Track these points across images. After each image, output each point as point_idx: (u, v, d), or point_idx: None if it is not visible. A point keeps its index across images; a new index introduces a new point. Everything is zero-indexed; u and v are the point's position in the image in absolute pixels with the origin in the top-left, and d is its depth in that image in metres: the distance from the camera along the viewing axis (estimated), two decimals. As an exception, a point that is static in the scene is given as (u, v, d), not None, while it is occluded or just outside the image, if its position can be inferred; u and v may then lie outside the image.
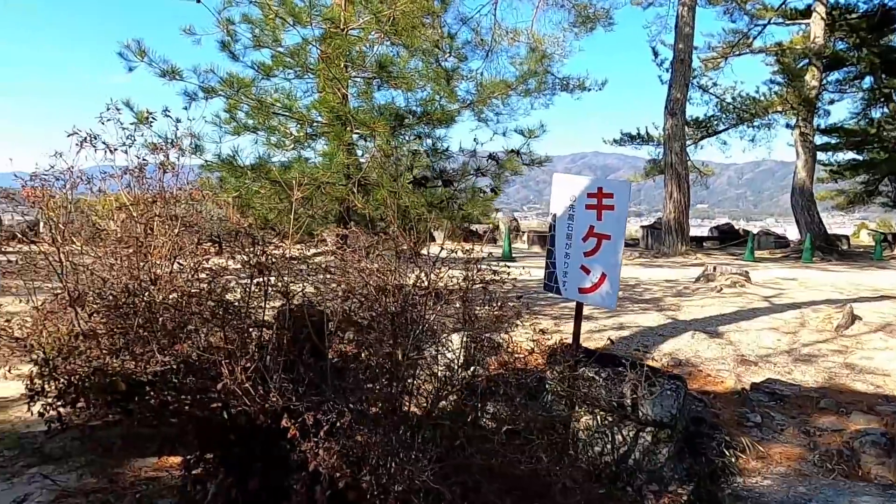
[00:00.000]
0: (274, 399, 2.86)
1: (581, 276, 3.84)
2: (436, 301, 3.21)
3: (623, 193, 3.61)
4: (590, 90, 12.60)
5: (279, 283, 3.22)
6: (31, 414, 4.16)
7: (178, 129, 5.08)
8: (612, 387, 4.26)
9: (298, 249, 3.86)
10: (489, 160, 5.36)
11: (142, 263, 4.11)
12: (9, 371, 4.62)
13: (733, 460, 4.19)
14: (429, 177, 4.23)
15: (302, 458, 2.83)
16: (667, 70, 22.08)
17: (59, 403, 4.22)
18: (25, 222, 16.48)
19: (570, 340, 4.45)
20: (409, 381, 3.29)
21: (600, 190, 3.67)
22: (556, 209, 3.94)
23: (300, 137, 5.89)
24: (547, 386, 4.39)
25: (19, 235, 6.80)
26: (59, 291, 4.82)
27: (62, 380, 4.33)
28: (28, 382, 4.51)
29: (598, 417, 4.30)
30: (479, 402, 3.58)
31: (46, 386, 4.44)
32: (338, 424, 2.82)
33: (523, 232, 26.40)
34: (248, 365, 2.84)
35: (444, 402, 3.39)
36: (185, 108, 5.57)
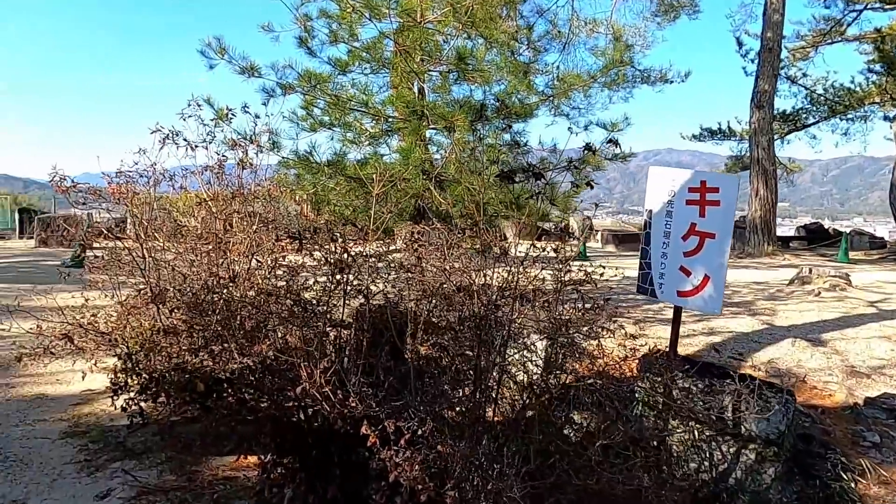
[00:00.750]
0: (353, 404, 2.71)
1: (680, 277, 3.52)
2: (522, 303, 2.97)
3: (730, 188, 3.28)
4: (672, 82, 11.99)
5: (358, 282, 3.06)
6: (115, 408, 4.19)
7: (256, 126, 5.05)
8: (709, 398, 3.91)
9: (377, 247, 3.71)
10: (585, 150, 5.05)
11: (221, 260, 4.08)
12: (95, 365, 4.70)
13: (852, 485, 3.76)
14: (516, 170, 4.02)
15: (381, 466, 2.66)
16: (752, 61, 20.97)
17: (140, 399, 4.24)
18: (114, 219, 17.19)
19: (659, 346, 4.13)
20: (492, 388, 3.07)
21: (703, 184, 3.35)
22: (652, 205, 3.63)
23: (376, 133, 5.79)
24: (637, 396, 4.08)
25: (105, 231, 6.98)
26: (142, 287, 4.88)
27: (144, 375, 4.35)
28: (112, 376, 4.55)
29: (695, 431, 3.96)
30: (566, 412, 3.33)
31: (129, 381, 4.47)
32: (419, 433, 2.63)
33: (596, 231, 25.71)
34: (327, 367, 2.69)
35: (530, 411, 3.16)
36: (264, 104, 5.55)
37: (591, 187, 4.72)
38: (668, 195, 3.53)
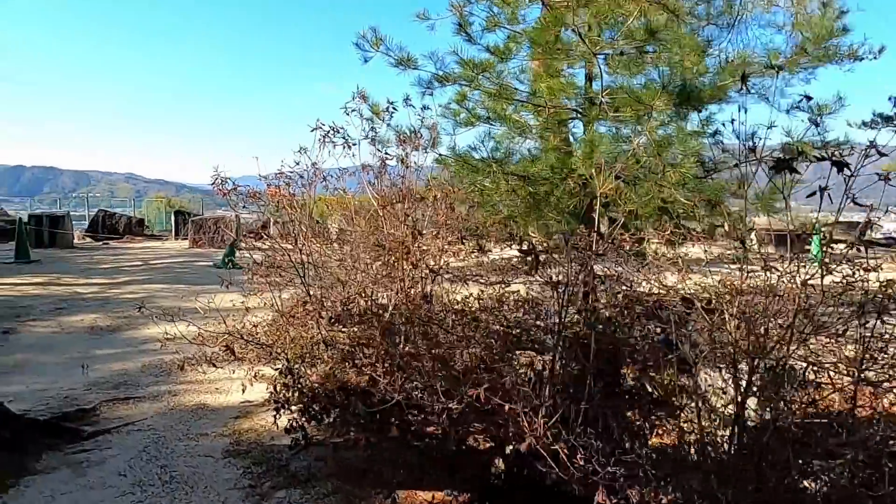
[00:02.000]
0: (579, 462, 2.11)
1: None
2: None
3: None
4: (862, 59, 10.41)
5: (580, 300, 2.48)
6: (276, 427, 3.89)
7: (423, 120, 4.64)
8: None
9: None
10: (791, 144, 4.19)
11: (405, 273, 3.66)
12: (254, 377, 4.47)
13: None
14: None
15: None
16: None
17: (303, 419, 3.91)
18: (257, 221, 17.86)
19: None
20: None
21: None
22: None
23: (549, 124, 5.20)
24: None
25: (254, 234, 6.86)
26: (303, 296, 4.62)
27: (306, 392, 4.03)
28: (272, 390, 4.30)
29: None
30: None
31: (290, 397, 4.17)
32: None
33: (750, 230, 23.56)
34: (547, 411, 2.12)
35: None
36: (428, 94, 5.13)
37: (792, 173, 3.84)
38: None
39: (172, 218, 20.69)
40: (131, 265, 13.09)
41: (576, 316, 2.55)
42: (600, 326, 2.44)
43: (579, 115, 5.45)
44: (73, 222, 18.63)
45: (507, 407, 2.11)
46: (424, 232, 3.76)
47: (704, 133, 5.11)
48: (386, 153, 4.47)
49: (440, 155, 5.62)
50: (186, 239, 18.01)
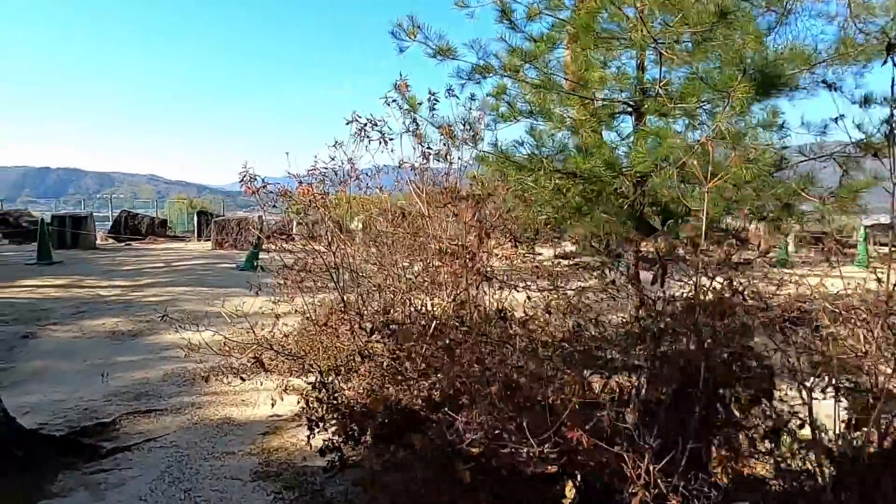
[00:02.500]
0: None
1: None
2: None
3: None
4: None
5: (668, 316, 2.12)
6: (309, 447, 3.57)
7: (471, 111, 4.30)
8: None
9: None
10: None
11: (436, 278, 3.32)
12: (285, 391, 4.15)
13: None
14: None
15: None
16: None
17: (340, 440, 3.58)
18: (279, 222, 17.65)
19: None
20: None
21: None
22: None
23: (603, 117, 4.83)
24: None
25: (279, 235, 6.57)
26: (337, 302, 4.30)
27: (343, 410, 3.69)
28: (304, 405, 3.97)
29: None
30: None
31: (324, 413, 3.83)
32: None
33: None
34: (648, 450, 1.75)
35: None
36: (475, 83, 4.79)
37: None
38: None
39: (195, 219, 20.58)
40: (154, 267, 12.91)
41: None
42: (710, 340, 2.06)
43: (630, 108, 5.06)
44: (96, 223, 18.58)
45: (610, 451, 1.74)
46: (473, 235, 3.41)
47: (774, 125, 4.69)
48: (428, 148, 4.14)
49: (482, 152, 5.26)
50: (209, 240, 17.85)
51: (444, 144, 4.33)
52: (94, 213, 24.19)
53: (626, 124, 5.77)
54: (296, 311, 4.94)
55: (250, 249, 13.10)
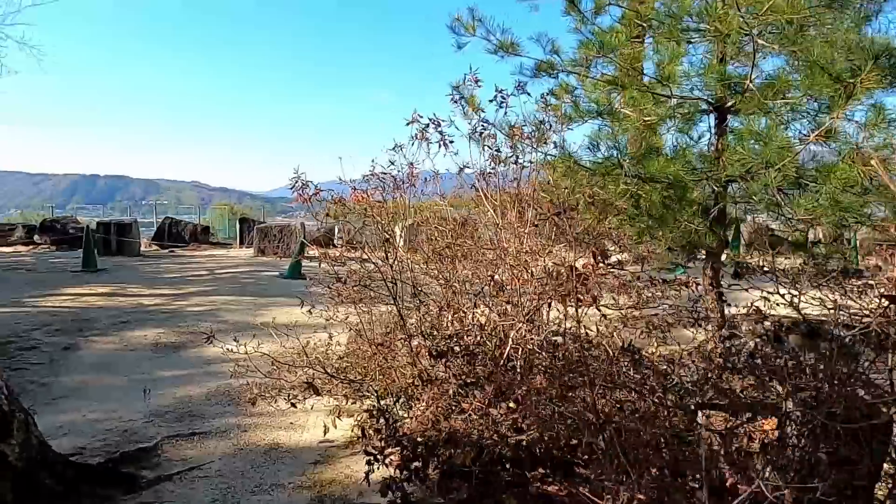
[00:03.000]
0: None
1: None
2: None
3: None
4: None
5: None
6: (368, 483, 3.20)
7: (546, 108, 3.90)
8: None
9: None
10: None
11: (516, 299, 2.92)
12: (338, 417, 3.80)
13: None
14: None
15: None
16: None
17: (402, 477, 3.21)
18: (322, 229, 17.44)
19: None
20: None
21: None
22: None
23: (687, 116, 4.38)
24: None
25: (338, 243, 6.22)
26: (395, 319, 3.93)
27: (405, 443, 3.32)
28: (360, 434, 3.62)
29: None
30: None
31: (383, 444, 3.46)
32: None
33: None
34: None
35: None
36: (541, 79, 4.40)
37: None
38: None
39: (237, 225, 20.59)
40: (196, 275, 12.81)
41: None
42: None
43: (710, 106, 4.59)
44: (141, 229, 18.71)
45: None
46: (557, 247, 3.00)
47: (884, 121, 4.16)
48: (497, 151, 3.76)
49: (549, 155, 4.85)
50: (251, 247, 17.79)
51: (512, 147, 3.94)
52: (140, 220, 24.51)
53: (702, 124, 5.30)
54: (345, 321, 4.58)
55: (293, 257, 12.90)
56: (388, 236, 3.94)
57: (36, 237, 19.40)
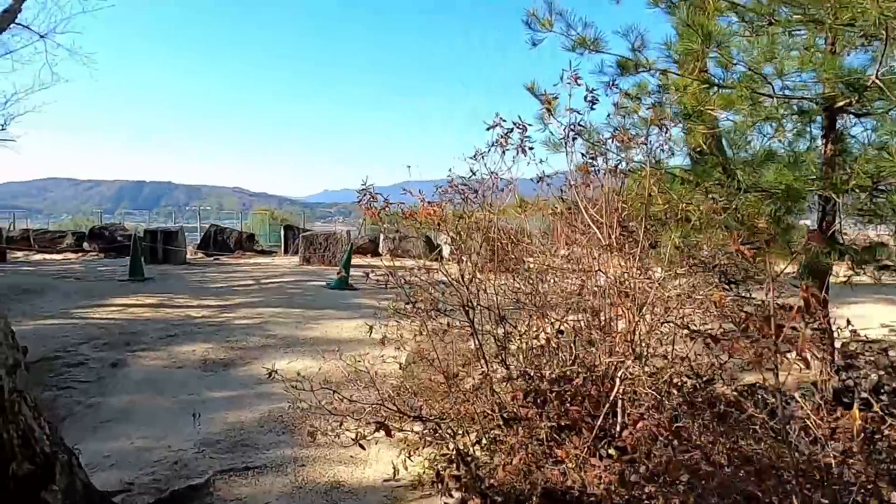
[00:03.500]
0: None
1: None
2: None
3: None
4: None
5: None
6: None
7: (629, 115, 3.45)
8: None
9: None
10: None
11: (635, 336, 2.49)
12: (409, 457, 3.41)
13: None
14: None
15: None
16: None
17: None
18: (365, 237, 17.12)
19: None
20: None
21: None
22: None
23: (810, 117, 3.88)
24: None
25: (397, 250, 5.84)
26: (475, 350, 3.52)
27: (490, 496, 2.91)
28: (436, 481, 3.23)
29: None
30: None
31: (465, 495, 3.06)
32: None
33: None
34: None
35: None
36: (638, 72, 3.94)
37: None
38: None
39: (281, 233, 20.51)
40: (243, 285, 12.64)
41: None
42: None
43: (820, 104, 4.06)
44: (186, 235, 18.76)
45: None
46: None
47: None
48: (592, 158, 3.32)
49: (632, 164, 4.39)
50: (296, 255, 17.64)
51: (603, 152, 3.50)
52: (184, 224, 24.71)
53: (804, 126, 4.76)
54: (403, 340, 4.18)
55: (340, 266, 12.63)
56: (465, 252, 3.53)
57: (85, 244, 19.66)
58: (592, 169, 3.36)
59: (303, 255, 16.05)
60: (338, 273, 12.04)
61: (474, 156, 3.34)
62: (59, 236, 20.44)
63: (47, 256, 18.68)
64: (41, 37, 13.51)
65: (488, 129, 3.33)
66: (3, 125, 13.95)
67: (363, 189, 3.29)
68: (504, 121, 3.30)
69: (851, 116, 4.34)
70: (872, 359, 3.99)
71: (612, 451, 2.85)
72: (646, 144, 3.60)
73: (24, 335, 7.47)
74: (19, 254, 18.94)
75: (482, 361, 3.19)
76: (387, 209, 3.39)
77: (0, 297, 10.11)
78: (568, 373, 2.77)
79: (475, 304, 3.37)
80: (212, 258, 18.60)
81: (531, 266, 3.45)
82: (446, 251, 19.02)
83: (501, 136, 3.32)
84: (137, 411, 5.04)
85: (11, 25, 12.66)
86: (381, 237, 20.07)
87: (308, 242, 16.08)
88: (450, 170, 3.42)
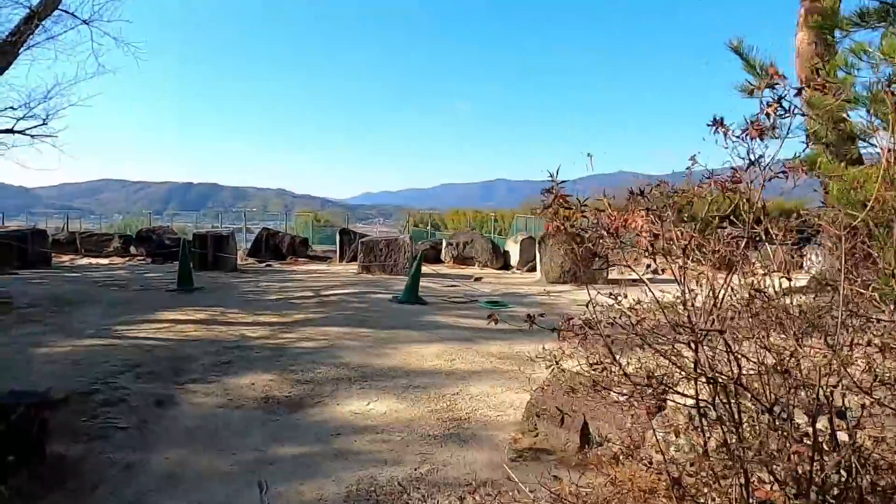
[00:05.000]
0: None
1: None
2: None
3: None
4: None
5: None
6: None
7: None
8: None
9: None
10: None
11: None
12: None
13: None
14: None
15: None
16: None
17: None
18: (427, 242, 15.93)
19: None
20: None
21: None
22: None
23: None
24: None
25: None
26: (719, 442, 2.27)
27: None
28: None
29: None
30: None
31: None
32: None
33: None
34: None
35: None
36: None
37: None
38: None
39: (336, 238, 19.54)
40: (301, 296, 11.60)
41: None
42: None
43: None
44: (236, 241, 17.98)
45: None
46: None
47: None
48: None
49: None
50: (352, 262, 16.63)
51: None
52: (230, 226, 24.07)
53: None
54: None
55: (408, 277, 11.47)
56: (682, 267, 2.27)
57: (132, 248, 19.09)
58: None
59: (362, 263, 14.93)
60: (407, 284, 10.85)
61: (692, 158, 2.08)
62: (105, 239, 19.96)
63: (93, 261, 18.14)
64: (84, 22, 12.78)
65: (751, 92, 2.08)
66: (44, 119, 13.27)
67: (549, 189, 2.07)
68: (781, 77, 2.03)
69: None
70: None
71: None
72: None
73: (55, 360, 6.53)
74: (65, 257, 18.46)
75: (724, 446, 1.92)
76: (582, 210, 2.16)
77: (34, 311, 9.30)
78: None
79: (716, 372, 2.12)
80: (263, 265, 17.75)
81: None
82: (514, 258, 17.77)
83: (771, 103, 2.05)
84: (187, 477, 3.94)
85: (55, 12, 11.99)
86: (444, 243, 18.89)
87: (367, 249, 14.94)
88: (691, 158, 2.15)
